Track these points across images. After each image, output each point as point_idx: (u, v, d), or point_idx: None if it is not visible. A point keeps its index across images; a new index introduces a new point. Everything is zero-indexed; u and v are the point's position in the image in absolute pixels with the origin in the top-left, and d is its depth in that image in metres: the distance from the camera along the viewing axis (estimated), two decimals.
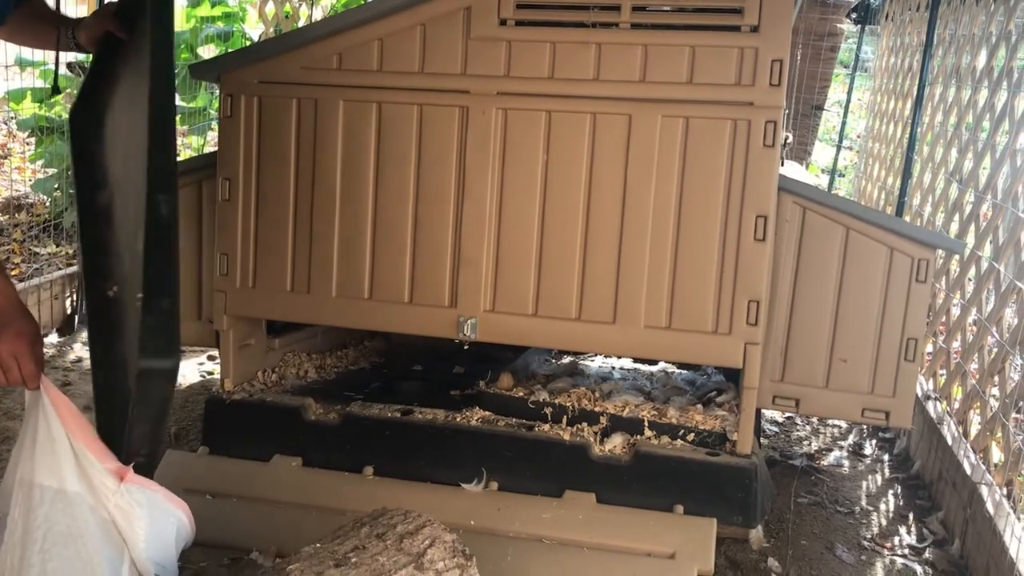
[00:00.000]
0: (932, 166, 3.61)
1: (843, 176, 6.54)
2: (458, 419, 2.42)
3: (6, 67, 3.98)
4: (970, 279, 2.91)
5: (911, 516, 2.58)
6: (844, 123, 5.74)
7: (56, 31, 1.97)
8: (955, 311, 2.97)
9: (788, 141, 4.06)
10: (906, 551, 2.39)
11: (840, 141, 5.86)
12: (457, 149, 2.34)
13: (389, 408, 2.48)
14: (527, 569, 2.13)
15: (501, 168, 2.32)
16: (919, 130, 3.59)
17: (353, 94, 2.38)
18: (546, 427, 2.39)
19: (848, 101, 5.74)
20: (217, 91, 2.49)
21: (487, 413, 2.44)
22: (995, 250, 2.67)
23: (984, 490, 2.28)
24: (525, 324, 2.35)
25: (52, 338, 3.62)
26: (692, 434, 2.35)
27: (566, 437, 2.34)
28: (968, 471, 2.40)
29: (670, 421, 2.38)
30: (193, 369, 3.47)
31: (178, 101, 5.55)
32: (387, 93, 2.36)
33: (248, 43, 5.40)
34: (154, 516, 1.73)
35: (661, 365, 3.18)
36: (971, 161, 3.07)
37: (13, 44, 2.28)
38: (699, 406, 2.45)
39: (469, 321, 2.36)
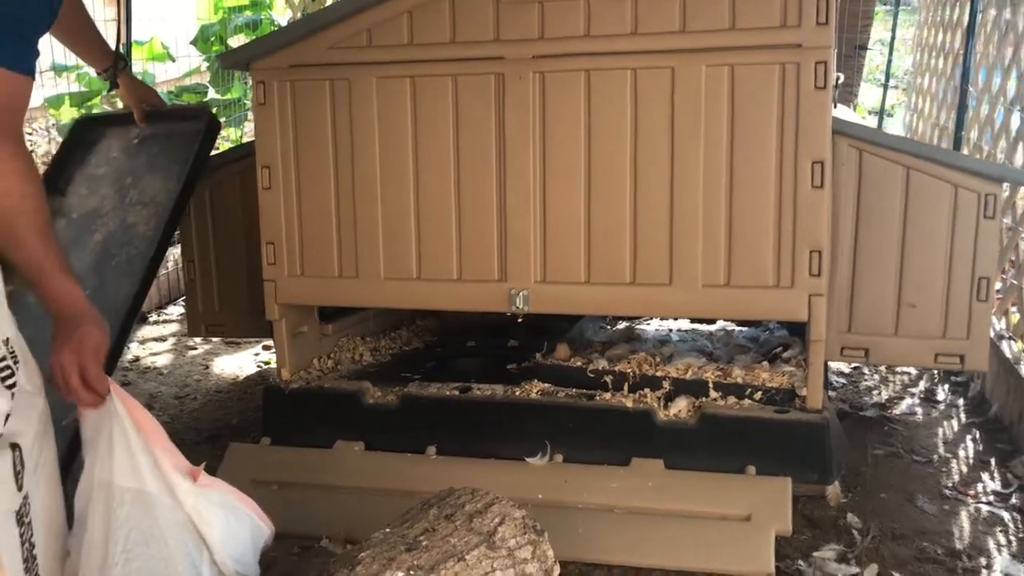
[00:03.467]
0: (989, 97, 3.45)
1: (891, 116, 6.34)
2: (517, 393, 2.39)
3: (40, 73, 3.98)
4: None
5: (993, 461, 2.49)
6: (890, 61, 5.55)
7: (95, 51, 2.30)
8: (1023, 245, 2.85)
9: (839, 82, 3.92)
10: (991, 498, 2.30)
11: (887, 80, 5.67)
12: (495, 117, 2.27)
13: (447, 387, 2.45)
14: (600, 540, 2.09)
15: (542, 133, 2.26)
16: (972, 60, 3.44)
17: (385, 70, 2.33)
18: (607, 395, 2.34)
19: (893, 38, 5.54)
20: (251, 81, 2.46)
21: (546, 385, 2.40)
22: None
23: None
24: (578, 292, 2.29)
25: None
26: (759, 392, 2.28)
27: (629, 404, 2.29)
28: None
29: (735, 381, 2.31)
30: (249, 360, 3.48)
31: (212, 94, 5.56)
32: (420, 66, 2.31)
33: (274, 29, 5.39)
34: (229, 516, 1.72)
35: (720, 324, 3.11)
36: None
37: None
38: (765, 363, 2.38)
39: (521, 293, 2.31)
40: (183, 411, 3.01)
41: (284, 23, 5.35)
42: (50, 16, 1.60)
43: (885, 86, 5.71)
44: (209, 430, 2.83)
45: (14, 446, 1.47)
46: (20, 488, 1.49)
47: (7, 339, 1.47)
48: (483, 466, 2.30)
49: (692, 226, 2.19)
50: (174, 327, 3.89)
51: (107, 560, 1.65)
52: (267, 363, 3.44)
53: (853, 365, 3.18)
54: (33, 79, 1.59)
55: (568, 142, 2.24)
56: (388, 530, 1.73)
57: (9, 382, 1.46)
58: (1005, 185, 2.49)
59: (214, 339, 3.62)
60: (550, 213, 2.28)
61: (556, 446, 2.30)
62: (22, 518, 1.51)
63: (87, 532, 1.68)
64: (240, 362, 3.46)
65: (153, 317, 4.03)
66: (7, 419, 1.45)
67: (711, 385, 2.31)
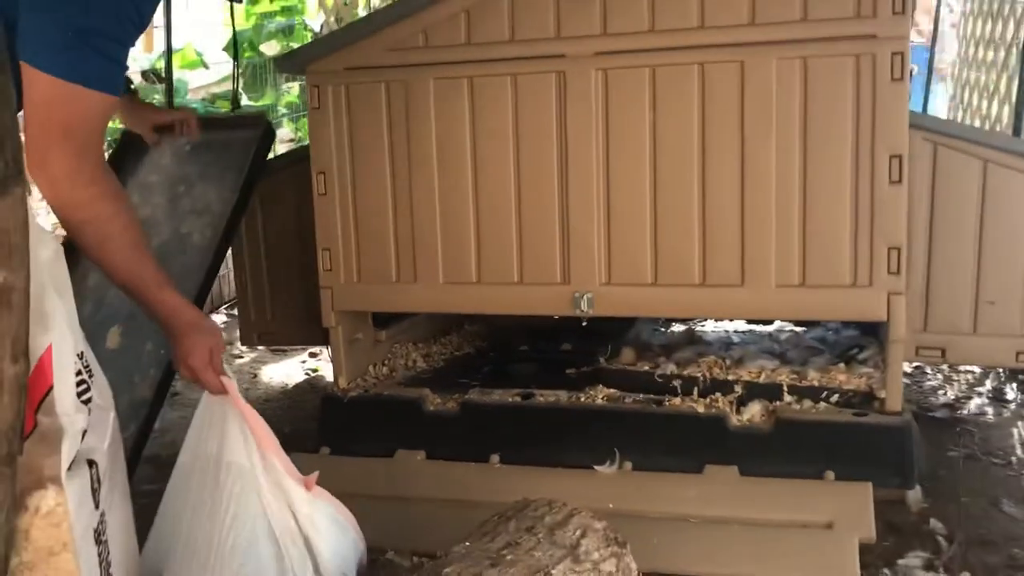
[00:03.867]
0: None
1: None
2: (582, 399, 2.33)
3: None
4: None
5: None
6: (932, 55, 5.43)
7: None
8: None
9: (914, 73, 3.85)
10: None
11: (929, 75, 5.55)
12: (556, 117, 2.22)
13: (509, 393, 2.40)
14: (676, 550, 2.02)
15: (605, 132, 2.20)
16: None
17: (443, 71, 2.28)
18: (677, 400, 2.28)
19: (936, 30, 5.42)
20: (285, 88, 2.43)
21: (612, 390, 2.34)
22: None
23: None
24: (644, 294, 2.23)
25: None
26: (835, 395, 2.21)
27: (700, 409, 2.23)
28: None
29: (811, 383, 2.25)
30: (297, 368, 3.44)
31: (245, 100, 5.55)
32: (478, 66, 2.26)
33: (310, 34, 5.36)
34: (336, 530, 1.71)
35: (777, 324, 3.04)
36: None
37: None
38: (841, 365, 2.31)
39: (585, 296, 2.25)
40: None
41: (317, 28, 5.33)
42: (137, 28, 1.56)
43: (928, 80, 5.59)
44: None
45: (91, 463, 1.43)
46: (97, 506, 1.45)
47: (81, 353, 1.43)
48: (550, 475, 2.24)
49: (764, 224, 2.13)
50: None
51: (215, 533, 1.64)
52: (315, 370, 3.40)
53: (915, 364, 3.10)
54: (115, 97, 1.55)
55: (633, 141, 2.18)
56: (468, 544, 1.68)
57: (85, 397, 1.42)
58: None
59: (260, 347, 3.58)
60: (614, 213, 2.22)
61: (625, 453, 2.24)
62: (99, 536, 1.47)
63: (191, 505, 1.69)
64: (288, 370, 3.42)
65: None
66: (84, 435, 1.42)
67: (785, 388, 2.24)
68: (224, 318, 4.09)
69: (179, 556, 1.70)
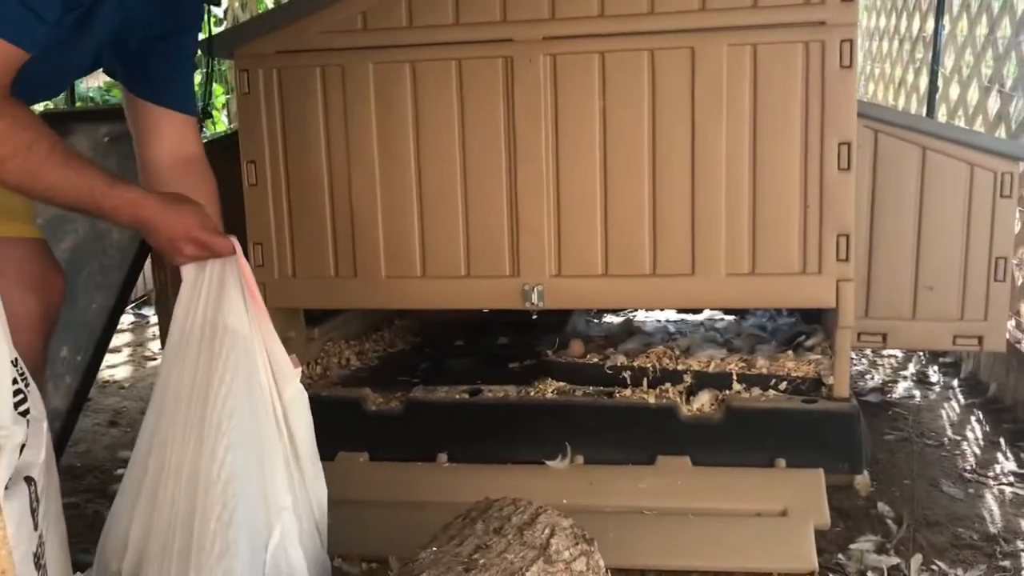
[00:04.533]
0: (959, 78, 3.48)
1: None
2: (532, 393, 2.27)
3: None
4: None
5: (1003, 442, 2.48)
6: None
7: None
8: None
9: None
10: (1011, 479, 2.28)
11: None
12: (504, 104, 2.16)
13: (455, 390, 2.32)
14: (633, 543, 1.99)
15: (554, 120, 2.15)
16: (941, 42, 3.46)
17: (383, 55, 2.18)
18: (627, 392, 2.25)
19: None
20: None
21: (561, 384, 2.30)
22: None
23: None
24: (596, 285, 2.19)
25: None
26: (784, 383, 2.22)
27: (651, 400, 2.20)
28: None
29: (759, 371, 2.25)
30: None
31: None
32: (420, 51, 2.17)
33: (215, 20, 5.12)
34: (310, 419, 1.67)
35: (708, 312, 3.05)
36: (1015, 67, 2.94)
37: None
38: (789, 352, 2.32)
39: (535, 289, 2.20)
40: None
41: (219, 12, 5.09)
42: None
43: None
44: None
45: (29, 480, 1.30)
46: (36, 527, 1.32)
47: (15, 359, 1.30)
48: (501, 472, 2.18)
49: (714, 213, 2.11)
50: (127, 336, 3.66)
51: (209, 397, 1.57)
52: None
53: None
54: (25, 51, 1.40)
55: (582, 128, 2.13)
56: (436, 549, 1.60)
57: (23, 408, 1.29)
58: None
59: None
60: (564, 204, 2.17)
61: (576, 447, 2.20)
62: (39, 560, 1.34)
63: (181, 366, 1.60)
64: None
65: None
66: (22, 450, 1.28)
67: (735, 377, 2.23)
68: (132, 317, 3.88)
69: (175, 432, 1.61)
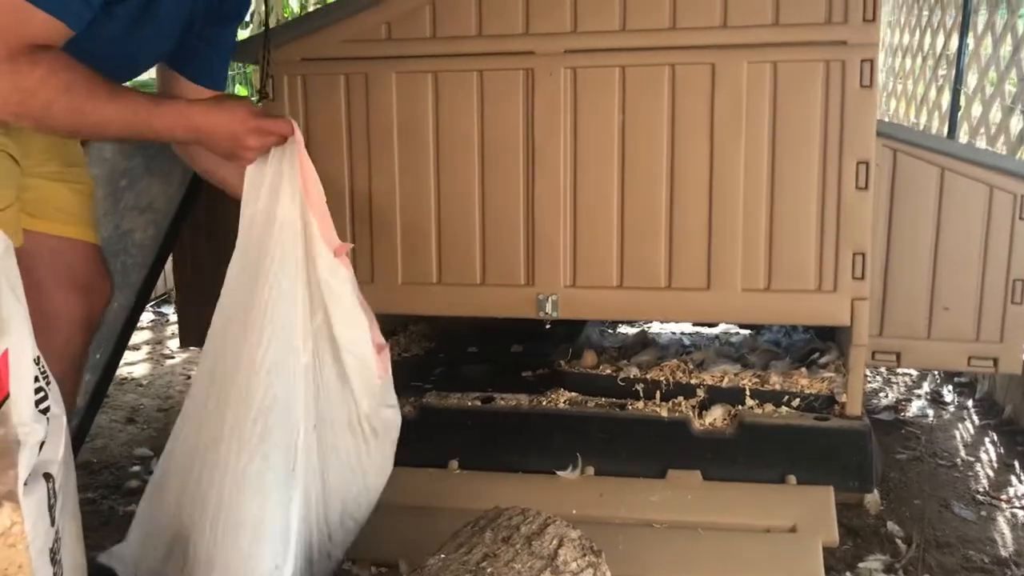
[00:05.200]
0: (982, 97, 3.47)
1: None
2: (544, 403, 2.29)
3: None
4: None
5: (1017, 465, 2.47)
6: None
7: None
8: None
9: None
10: None
11: None
12: (524, 115, 2.17)
13: (468, 396, 2.34)
14: (642, 556, 2.00)
15: (573, 132, 2.16)
16: (964, 61, 3.45)
17: (406, 65, 2.20)
18: (640, 404, 2.26)
19: None
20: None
21: (574, 394, 2.31)
22: None
23: None
24: (610, 297, 2.20)
25: None
26: (797, 399, 2.22)
27: (663, 413, 2.21)
28: None
29: (773, 387, 2.25)
30: None
31: None
32: (443, 61, 2.19)
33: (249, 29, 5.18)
34: (354, 301, 1.75)
35: (723, 327, 3.05)
36: None
37: None
38: (803, 369, 2.32)
39: (550, 299, 2.21)
40: (169, 424, 2.78)
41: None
42: None
43: None
44: None
45: (48, 476, 1.33)
46: (53, 522, 1.35)
47: (37, 358, 1.32)
48: (512, 481, 2.20)
49: (731, 228, 2.12)
50: (146, 334, 3.70)
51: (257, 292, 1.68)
52: None
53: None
54: (66, 27, 1.45)
55: (601, 141, 2.15)
56: (444, 556, 1.62)
57: (43, 406, 1.32)
58: None
59: (192, 347, 3.43)
60: (581, 215, 2.19)
61: (587, 458, 2.21)
62: (55, 556, 1.36)
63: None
64: None
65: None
66: (41, 447, 1.31)
67: (748, 393, 2.24)
68: (152, 315, 3.92)
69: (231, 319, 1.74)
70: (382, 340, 1.89)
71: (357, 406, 1.84)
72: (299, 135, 1.69)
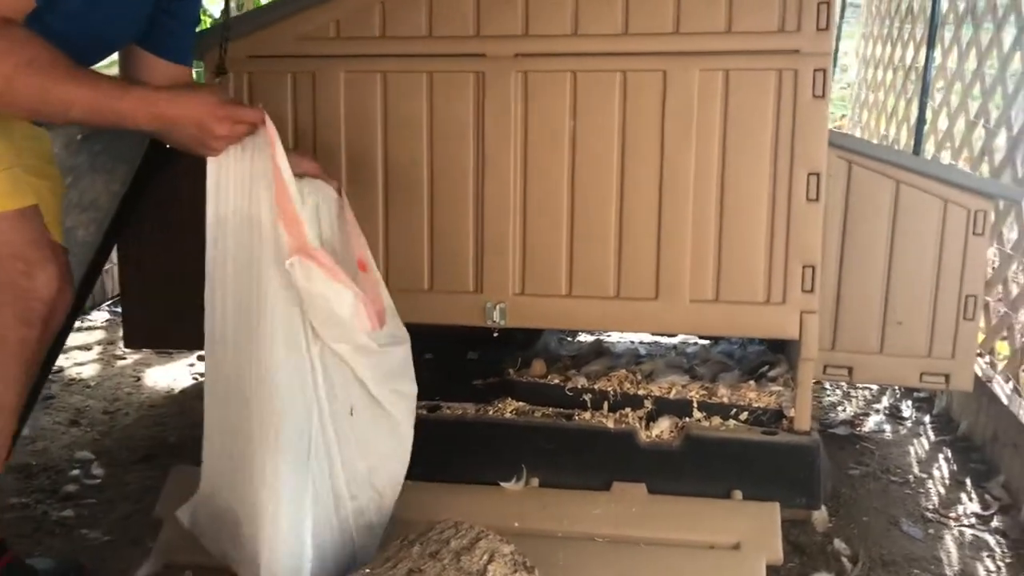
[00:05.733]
0: (948, 111, 3.45)
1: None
2: (491, 412, 2.24)
3: None
4: (1009, 226, 2.77)
5: (968, 482, 2.44)
6: (832, 74, 5.56)
7: None
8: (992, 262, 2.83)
9: None
10: (972, 520, 2.25)
11: None
12: (474, 119, 2.13)
13: None
14: (581, 571, 1.95)
15: (524, 137, 2.12)
16: (931, 74, 3.42)
17: (354, 64, 2.16)
18: (587, 415, 2.22)
19: (836, 51, 5.56)
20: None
21: (521, 404, 2.27)
22: None
23: None
24: (559, 306, 2.16)
25: None
26: (745, 413, 2.19)
27: (610, 425, 2.17)
28: None
29: (721, 400, 2.22)
30: (184, 372, 3.24)
31: None
32: (392, 61, 2.15)
33: (209, 20, 5.11)
34: (316, 296, 1.64)
35: (682, 337, 3.02)
36: (1001, 101, 2.92)
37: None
38: (751, 382, 2.29)
39: (498, 306, 2.17)
40: (114, 427, 2.77)
41: (217, 13, 5.08)
42: None
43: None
44: (144, 448, 2.61)
45: None
46: None
47: None
48: (454, 492, 2.15)
49: (680, 238, 2.09)
50: (99, 334, 3.62)
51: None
52: (203, 375, 3.21)
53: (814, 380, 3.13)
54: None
55: (551, 147, 2.11)
56: (368, 571, 1.57)
57: None
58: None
59: (145, 349, 3.37)
60: (530, 222, 2.15)
61: (532, 469, 2.17)
62: None
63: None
64: (174, 373, 3.22)
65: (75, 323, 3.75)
66: None
67: (695, 405, 2.20)
68: (107, 315, 3.85)
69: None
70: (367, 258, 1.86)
71: (363, 385, 1.81)
72: (271, 126, 1.63)
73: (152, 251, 2.57)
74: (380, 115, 2.16)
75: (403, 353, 1.88)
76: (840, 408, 2.98)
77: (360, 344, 1.74)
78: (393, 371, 1.86)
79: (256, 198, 1.65)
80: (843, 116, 6.27)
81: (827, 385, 3.14)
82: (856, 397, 3.07)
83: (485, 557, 1.63)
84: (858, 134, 5.01)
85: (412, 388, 1.91)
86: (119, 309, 3.96)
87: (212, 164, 1.67)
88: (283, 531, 1.66)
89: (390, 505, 1.89)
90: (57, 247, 1.71)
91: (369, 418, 1.83)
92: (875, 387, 3.13)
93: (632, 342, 2.99)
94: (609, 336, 3.08)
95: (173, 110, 1.56)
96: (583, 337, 3.04)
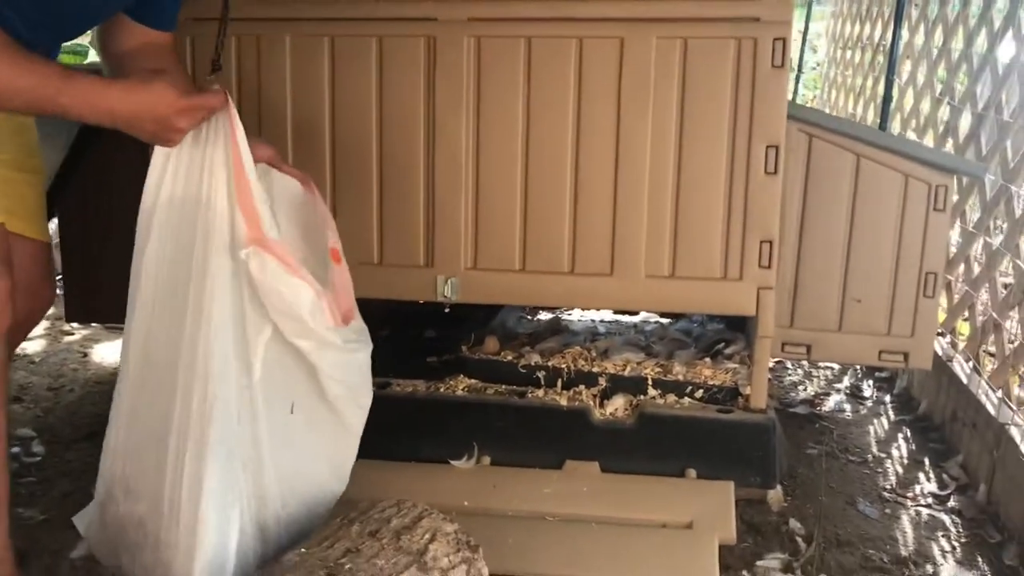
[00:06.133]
0: (914, 88, 3.42)
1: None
2: (442, 389, 2.19)
3: None
4: (972, 205, 2.75)
5: (927, 461, 2.42)
6: (802, 53, 5.54)
7: None
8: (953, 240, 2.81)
9: None
10: (929, 500, 2.23)
11: (799, 73, 5.65)
12: (425, 85, 2.06)
13: None
14: (532, 551, 1.91)
15: (476, 105, 2.06)
16: (897, 51, 3.39)
17: (301, 28, 2.08)
18: (540, 392, 2.17)
19: (806, 30, 5.53)
20: None
21: (473, 381, 2.21)
22: (1004, 172, 2.49)
23: (1015, 432, 2.12)
24: (512, 281, 2.11)
25: None
26: (700, 390, 2.15)
27: (563, 402, 2.12)
28: (992, 411, 2.24)
29: (676, 378, 2.17)
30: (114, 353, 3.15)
31: (93, 55, 5.12)
32: (340, 25, 2.07)
33: None
34: (272, 291, 1.55)
35: (643, 315, 2.97)
36: (966, 78, 2.89)
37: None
38: (707, 359, 2.25)
39: (449, 281, 2.11)
40: (58, 404, 2.69)
41: None
42: None
43: (797, 78, 5.70)
44: (89, 425, 2.53)
45: None
46: None
47: None
48: (403, 470, 2.10)
49: (636, 212, 2.03)
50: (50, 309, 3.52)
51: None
52: None
53: (776, 359, 3.11)
54: None
55: (505, 116, 2.05)
56: (304, 551, 1.52)
57: None
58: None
59: (94, 324, 3.28)
60: (483, 194, 2.08)
61: (484, 448, 2.12)
62: None
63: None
64: (103, 353, 3.13)
65: None
66: None
67: (650, 382, 2.16)
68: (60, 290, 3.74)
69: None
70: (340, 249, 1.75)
71: (319, 382, 1.69)
72: (233, 108, 1.53)
73: (93, 225, 2.48)
74: (327, 81, 2.09)
75: (365, 359, 1.76)
76: (801, 387, 2.95)
77: (324, 340, 1.63)
78: (353, 376, 1.74)
79: (211, 184, 1.54)
80: (815, 97, 6.26)
81: (788, 364, 3.11)
82: (817, 376, 3.05)
83: (427, 536, 1.58)
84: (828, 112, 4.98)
85: (368, 399, 1.79)
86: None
87: (161, 149, 1.56)
88: (205, 537, 1.52)
89: (324, 515, 1.76)
90: (28, 246, 1.65)
91: (315, 420, 1.71)
92: (836, 366, 3.11)
93: (592, 320, 2.94)
94: (570, 314, 3.03)
95: (126, 106, 1.43)
96: (544, 315, 2.99)
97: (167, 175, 1.56)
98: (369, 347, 1.77)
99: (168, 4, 1.72)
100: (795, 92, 5.64)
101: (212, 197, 1.54)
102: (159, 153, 1.56)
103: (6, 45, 1.34)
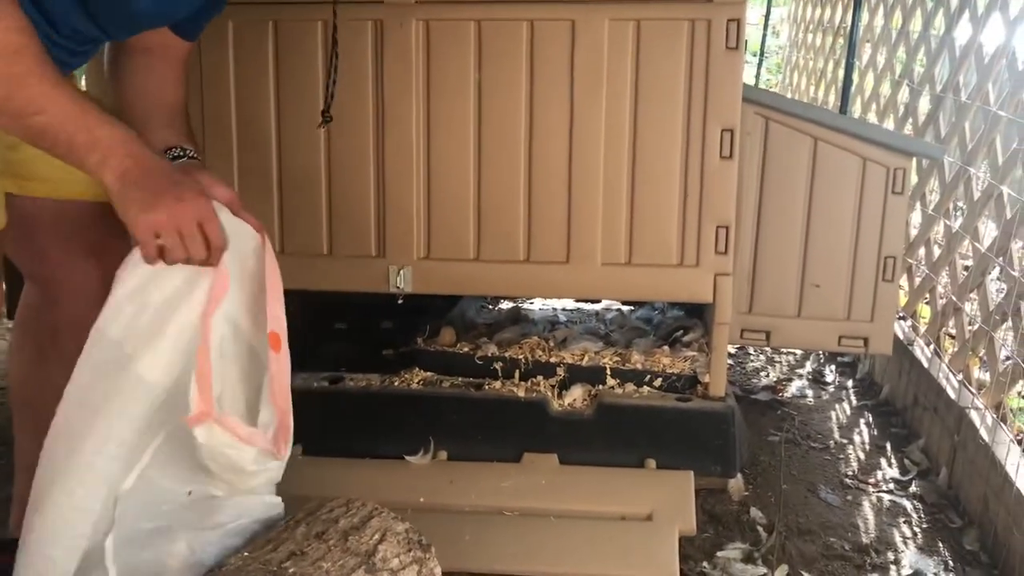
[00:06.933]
0: (874, 71, 3.40)
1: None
2: (396, 383, 2.14)
3: None
4: (932, 188, 2.73)
5: (888, 447, 2.41)
6: (764, 37, 5.52)
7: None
8: (914, 223, 2.79)
9: None
10: (891, 486, 2.21)
11: (761, 58, 5.64)
12: (373, 71, 2.00)
13: (314, 377, 2.18)
14: (489, 547, 1.87)
15: (426, 91, 2.00)
16: (858, 34, 3.37)
17: (244, 12, 2.00)
18: (497, 384, 2.13)
19: (768, 14, 5.51)
20: None
21: (428, 374, 2.16)
22: (963, 154, 2.47)
23: (975, 415, 2.11)
24: (466, 270, 2.06)
25: None
26: (659, 379, 2.11)
27: (521, 393, 2.08)
28: (952, 395, 2.22)
29: (634, 367, 2.14)
30: None
31: None
32: (284, 9, 2.00)
33: None
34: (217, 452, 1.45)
35: (604, 303, 2.94)
36: (924, 61, 2.87)
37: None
38: (665, 348, 2.21)
39: (401, 271, 2.06)
40: (5, 404, 2.60)
41: None
42: None
43: (760, 63, 5.68)
44: None
45: None
46: None
47: None
48: (357, 467, 2.05)
49: (591, 198, 1.99)
50: None
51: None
52: None
53: (736, 346, 3.08)
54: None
55: (456, 101, 1.99)
56: (247, 554, 1.46)
57: None
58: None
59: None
60: (435, 181, 2.03)
61: (440, 442, 2.07)
62: None
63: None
64: None
65: None
66: None
67: (608, 372, 2.12)
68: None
69: None
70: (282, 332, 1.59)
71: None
72: (270, 249, 1.44)
73: None
74: (272, 67, 2.03)
75: (278, 470, 1.60)
76: (763, 373, 2.93)
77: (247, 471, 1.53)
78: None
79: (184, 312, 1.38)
80: (777, 82, 6.25)
81: (750, 350, 3.09)
82: (779, 362, 3.03)
83: (376, 536, 1.53)
84: (789, 96, 4.96)
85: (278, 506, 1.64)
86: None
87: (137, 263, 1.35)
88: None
89: None
90: (87, 207, 1.57)
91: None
92: (798, 352, 3.10)
93: (553, 309, 2.90)
94: (531, 303, 2.98)
95: (160, 177, 1.28)
96: (505, 305, 2.94)
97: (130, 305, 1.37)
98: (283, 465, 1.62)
99: (204, 17, 1.61)
100: (757, 76, 5.63)
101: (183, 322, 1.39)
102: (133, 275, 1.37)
103: (53, 67, 1.24)
